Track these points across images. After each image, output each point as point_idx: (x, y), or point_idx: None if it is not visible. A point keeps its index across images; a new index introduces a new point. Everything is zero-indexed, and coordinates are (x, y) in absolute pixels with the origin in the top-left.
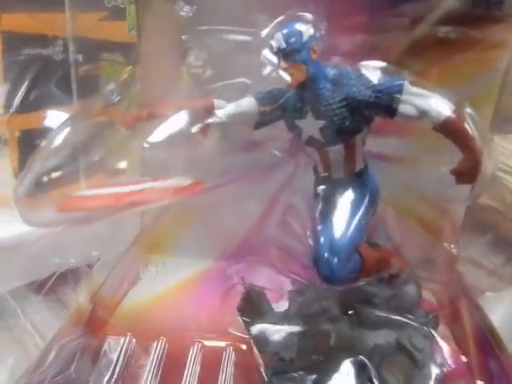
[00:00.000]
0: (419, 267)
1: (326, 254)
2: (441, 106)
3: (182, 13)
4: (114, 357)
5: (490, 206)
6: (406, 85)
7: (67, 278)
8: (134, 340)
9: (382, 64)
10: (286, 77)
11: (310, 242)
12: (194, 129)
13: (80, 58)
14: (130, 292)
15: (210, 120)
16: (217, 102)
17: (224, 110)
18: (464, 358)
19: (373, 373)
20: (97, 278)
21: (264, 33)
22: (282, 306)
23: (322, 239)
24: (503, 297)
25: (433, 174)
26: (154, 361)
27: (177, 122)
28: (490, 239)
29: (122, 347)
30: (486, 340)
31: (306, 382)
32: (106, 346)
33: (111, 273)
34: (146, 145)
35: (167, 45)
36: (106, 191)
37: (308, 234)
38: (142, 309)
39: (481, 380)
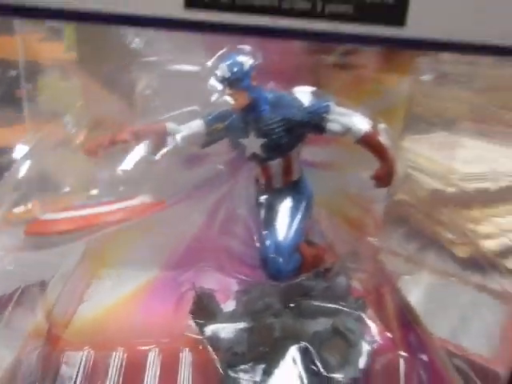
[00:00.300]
0: (348, 260)
1: (272, 255)
2: (361, 123)
3: (132, 45)
4: (74, 371)
5: (405, 201)
6: (332, 106)
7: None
8: (92, 352)
9: (311, 88)
10: (231, 101)
11: (256, 245)
12: (157, 156)
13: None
14: (80, 306)
15: (168, 146)
16: (169, 126)
17: (179, 134)
18: (389, 335)
19: (315, 356)
20: (51, 295)
21: (209, 63)
22: (229, 305)
23: (267, 242)
24: (418, 280)
25: (356, 178)
26: (114, 370)
27: (140, 150)
28: (406, 230)
29: (81, 361)
30: (406, 317)
31: (257, 372)
32: (64, 363)
33: (62, 290)
34: (119, 172)
35: (110, 70)
36: (74, 214)
37: (253, 238)
38: (95, 322)
39: (403, 351)
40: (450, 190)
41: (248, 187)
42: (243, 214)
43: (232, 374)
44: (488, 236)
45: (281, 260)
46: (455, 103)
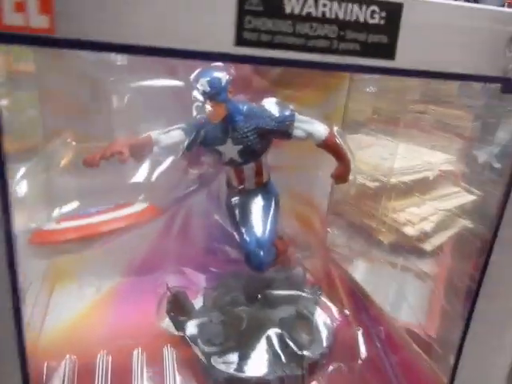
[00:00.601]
0: (301, 250)
1: (254, 249)
2: (321, 129)
3: (118, 63)
4: (59, 380)
5: (342, 198)
6: (296, 115)
7: None
8: (74, 358)
9: (275, 100)
10: (211, 113)
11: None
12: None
13: None
14: (47, 317)
15: (156, 155)
16: (154, 136)
17: (161, 144)
18: (347, 312)
19: (286, 337)
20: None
21: (191, 77)
22: (198, 302)
23: (247, 238)
24: (356, 265)
25: (304, 177)
26: (101, 372)
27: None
28: (344, 223)
29: (65, 369)
30: (357, 296)
31: (236, 358)
32: (46, 374)
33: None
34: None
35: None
36: (76, 223)
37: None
38: (69, 330)
39: (358, 326)
40: (374, 184)
41: (205, 192)
42: (201, 217)
43: (214, 363)
44: (407, 223)
45: (262, 253)
46: (363, 106)
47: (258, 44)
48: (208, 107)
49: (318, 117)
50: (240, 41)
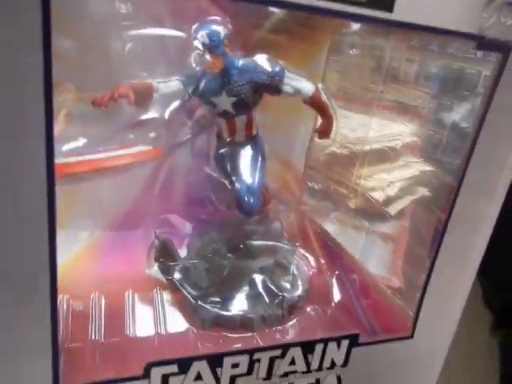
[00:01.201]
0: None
1: (245, 196)
2: (308, 86)
3: (122, 11)
4: None
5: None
6: (286, 72)
7: None
8: (68, 297)
9: (266, 56)
10: (209, 65)
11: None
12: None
13: None
14: None
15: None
16: (155, 84)
17: (160, 92)
18: (322, 260)
19: (268, 282)
20: None
21: (192, 29)
22: (182, 252)
23: (239, 186)
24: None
25: (281, 137)
26: (96, 311)
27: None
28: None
29: (60, 307)
30: (330, 246)
31: (221, 299)
32: None
33: None
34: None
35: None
36: (84, 158)
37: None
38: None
39: (332, 273)
40: (343, 151)
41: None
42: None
43: (202, 304)
44: (374, 189)
45: (252, 200)
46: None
47: None
48: (206, 58)
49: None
50: None
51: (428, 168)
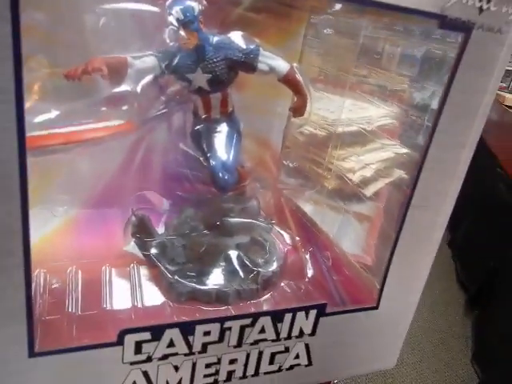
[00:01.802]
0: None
1: (220, 173)
2: (283, 64)
3: None
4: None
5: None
6: (261, 49)
7: None
8: (44, 272)
9: (241, 33)
10: (184, 40)
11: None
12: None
13: None
14: None
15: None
16: (129, 59)
17: (134, 67)
18: (297, 238)
19: (244, 258)
20: None
21: (166, 4)
22: (160, 230)
23: (214, 162)
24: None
25: (259, 116)
26: (73, 285)
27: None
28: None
29: (36, 281)
30: (306, 224)
31: (197, 274)
32: None
33: None
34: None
35: None
36: (58, 131)
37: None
38: (35, 249)
39: (306, 251)
40: (321, 133)
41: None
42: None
43: (179, 278)
44: (350, 170)
45: (227, 176)
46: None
47: None
48: (181, 34)
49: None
50: None
51: (404, 150)
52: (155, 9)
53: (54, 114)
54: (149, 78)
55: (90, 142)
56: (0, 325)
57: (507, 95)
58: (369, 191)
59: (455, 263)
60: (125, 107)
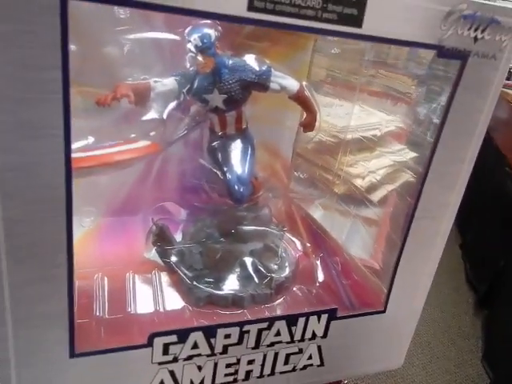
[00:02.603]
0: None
1: (236, 185)
2: (293, 83)
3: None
4: None
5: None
6: (273, 70)
7: None
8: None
9: (254, 56)
10: (201, 65)
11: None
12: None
13: None
14: None
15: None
16: (152, 83)
17: (156, 90)
18: (308, 244)
19: (258, 264)
20: None
21: (185, 32)
22: (177, 237)
23: (230, 176)
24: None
25: (270, 128)
26: (100, 291)
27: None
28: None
29: None
30: (316, 231)
31: (214, 279)
32: None
33: None
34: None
35: None
36: (87, 154)
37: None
38: None
39: (316, 256)
40: (330, 140)
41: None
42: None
43: (197, 284)
44: (358, 176)
45: (242, 189)
46: (317, 68)
47: (264, 11)
48: (199, 59)
49: (286, 72)
50: (251, 7)
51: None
52: (175, 37)
53: (88, 137)
54: (173, 104)
55: (120, 165)
56: (46, 328)
57: None
58: (376, 197)
59: (464, 263)
60: (152, 133)
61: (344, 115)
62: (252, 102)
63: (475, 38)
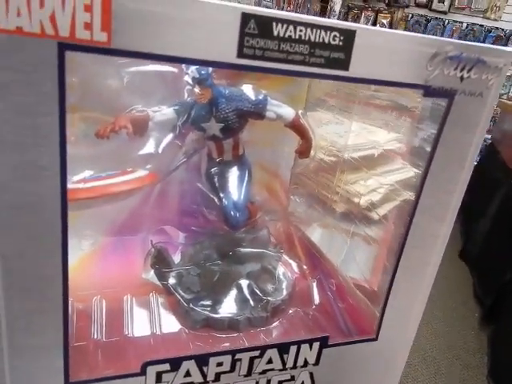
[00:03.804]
0: (267, 215)
1: (232, 212)
2: (289, 111)
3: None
4: None
5: (302, 171)
6: (269, 99)
7: None
8: (72, 301)
9: (250, 86)
10: (199, 96)
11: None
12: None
13: None
14: None
15: (151, 130)
16: (150, 113)
17: (155, 119)
18: (304, 267)
19: (254, 287)
20: None
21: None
22: (176, 258)
23: (226, 202)
24: (312, 231)
25: (271, 152)
26: (97, 313)
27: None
28: (304, 193)
29: None
30: (313, 253)
31: (210, 302)
32: None
33: None
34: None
35: None
36: (85, 185)
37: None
38: None
39: (313, 278)
40: (330, 159)
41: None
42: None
43: (194, 306)
44: (358, 194)
45: (238, 215)
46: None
47: (253, 57)
48: (196, 90)
49: (285, 95)
50: (241, 54)
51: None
52: (173, 69)
53: (88, 170)
54: (168, 138)
55: (120, 196)
56: (41, 358)
57: None
58: (376, 215)
59: (472, 278)
60: (148, 166)
61: (345, 133)
62: (251, 123)
63: (461, 78)
